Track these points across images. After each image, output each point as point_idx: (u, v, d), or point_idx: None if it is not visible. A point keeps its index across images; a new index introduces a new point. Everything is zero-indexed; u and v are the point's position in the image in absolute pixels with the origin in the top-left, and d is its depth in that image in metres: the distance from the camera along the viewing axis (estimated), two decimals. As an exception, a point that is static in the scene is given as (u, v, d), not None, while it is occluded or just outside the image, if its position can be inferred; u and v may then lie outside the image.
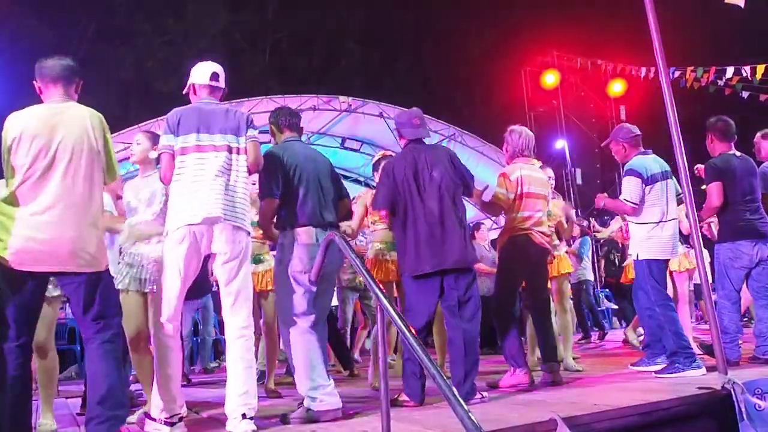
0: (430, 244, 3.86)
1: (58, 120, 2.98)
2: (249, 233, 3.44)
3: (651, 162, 4.63)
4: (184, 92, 3.69)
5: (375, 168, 5.10)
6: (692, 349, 4.33)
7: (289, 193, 3.68)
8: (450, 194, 3.97)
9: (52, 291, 3.71)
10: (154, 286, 3.61)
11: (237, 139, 3.45)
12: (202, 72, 3.58)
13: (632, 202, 4.53)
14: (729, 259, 4.68)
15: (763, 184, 4.93)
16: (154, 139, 3.94)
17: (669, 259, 4.66)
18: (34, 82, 3.13)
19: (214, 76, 3.58)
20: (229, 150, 3.41)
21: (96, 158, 3.06)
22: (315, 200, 3.71)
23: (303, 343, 3.60)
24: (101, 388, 2.88)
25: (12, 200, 2.89)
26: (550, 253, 4.73)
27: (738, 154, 4.85)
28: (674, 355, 4.25)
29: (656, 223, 4.50)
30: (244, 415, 3.18)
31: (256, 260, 4.96)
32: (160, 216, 3.72)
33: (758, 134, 5.33)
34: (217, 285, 3.50)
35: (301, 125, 4.14)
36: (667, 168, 4.66)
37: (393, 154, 4.87)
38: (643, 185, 4.52)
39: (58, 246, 2.87)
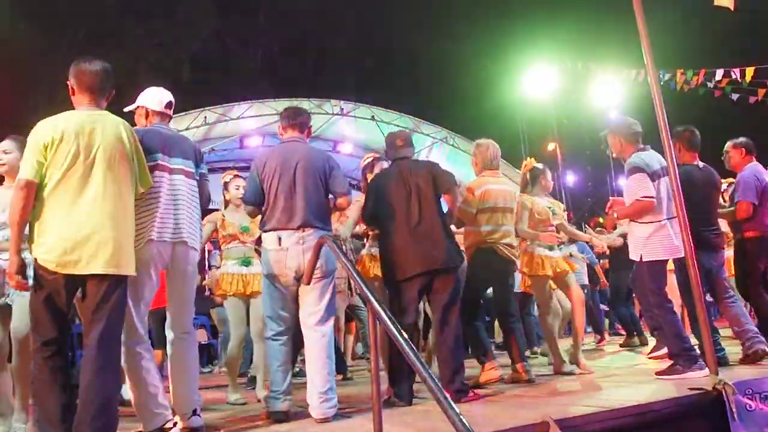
0: (418, 248, 3.97)
1: (97, 125, 3.02)
2: (198, 252, 3.65)
3: (650, 159, 4.47)
4: (127, 109, 3.75)
5: (367, 169, 5.08)
6: (694, 350, 4.26)
7: (266, 199, 3.82)
8: (431, 199, 4.13)
9: None
10: None
11: (194, 166, 3.64)
12: (158, 98, 3.70)
13: (651, 197, 4.32)
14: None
15: (740, 193, 4.99)
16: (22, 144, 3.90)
17: (668, 259, 4.50)
18: (68, 81, 3.16)
19: (169, 105, 3.73)
20: (188, 175, 3.57)
21: (130, 165, 3.12)
22: (285, 204, 3.73)
23: (266, 350, 3.82)
24: (95, 403, 2.81)
25: (50, 201, 2.89)
26: (515, 264, 4.79)
27: (701, 165, 4.84)
28: (676, 357, 4.23)
29: (659, 222, 4.37)
30: (195, 411, 3.40)
31: (246, 262, 5.00)
32: None
33: (729, 143, 5.32)
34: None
35: (308, 123, 4.13)
36: (665, 164, 4.41)
37: (379, 155, 5.13)
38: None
39: (100, 247, 2.88)
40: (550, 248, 5.28)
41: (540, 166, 5.52)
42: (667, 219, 4.39)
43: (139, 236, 3.27)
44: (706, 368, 4.07)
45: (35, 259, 2.88)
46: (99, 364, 2.86)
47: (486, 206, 4.62)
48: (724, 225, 5.43)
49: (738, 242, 5.19)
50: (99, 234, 2.89)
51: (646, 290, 4.45)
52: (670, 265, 4.93)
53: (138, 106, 3.71)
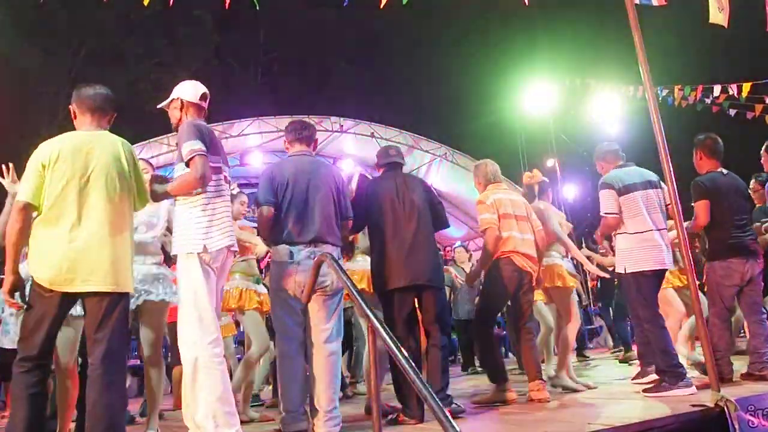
0: (407, 261, 3.96)
1: (94, 145, 3.05)
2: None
3: (626, 174, 4.59)
4: (161, 106, 3.69)
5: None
6: (682, 367, 4.25)
7: (276, 211, 3.76)
8: (425, 218, 4.14)
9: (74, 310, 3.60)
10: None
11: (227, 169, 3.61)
12: (194, 90, 3.61)
13: (612, 213, 4.49)
14: (720, 277, 4.61)
15: None
16: (151, 167, 4.16)
17: (661, 270, 4.49)
18: (70, 106, 3.22)
19: (204, 97, 3.63)
20: (228, 182, 3.57)
21: (127, 184, 3.12)
22: (296, 218, 3.72)
23: (279, 365, 3.70)
24: (103, 421, 2.81)
25: (46, 220, 2.92)
26: (532, 276, 4.67)
27: (725, 172, 4.81)
28: (662, 373, 4.21)
29: (641, 233, 4.42)
30: None
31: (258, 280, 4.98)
32: (158, 239, 4.03)
33: (763, 148, 5.22)
34: None
35: (315, 137, 4.17)
36: (653, 178, 4.58)
37: (362, 172, 5.07)
38: (617, 195, 4.50)
39: (94, 266, 2.89)
40: (561, 258, 5.32)
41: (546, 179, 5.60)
42: (652, 230, 4.42)
43: (217, 238, 3.30)
44: (693, 386, 4.09)
45: (32, 278, 2.90)
46: (104, 382, 2.87)
47: (498, 213, 4.57)
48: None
49: None
50: (94, 252, 2.90)
51: (635, 303, 4.46)
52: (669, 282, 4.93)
53: (173, 99, 3.62)
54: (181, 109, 3.58)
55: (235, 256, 4.97)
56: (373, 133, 14.13)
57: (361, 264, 4.95)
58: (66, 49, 20.32)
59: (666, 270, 4.56)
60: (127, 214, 3.13)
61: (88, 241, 2.91)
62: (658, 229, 4.45)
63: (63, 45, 20.09)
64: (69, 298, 2.93)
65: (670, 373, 4.15)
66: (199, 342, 3.19)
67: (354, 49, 27.24)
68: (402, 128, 14.87)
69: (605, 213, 4.53)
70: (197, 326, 3.20)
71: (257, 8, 4.97)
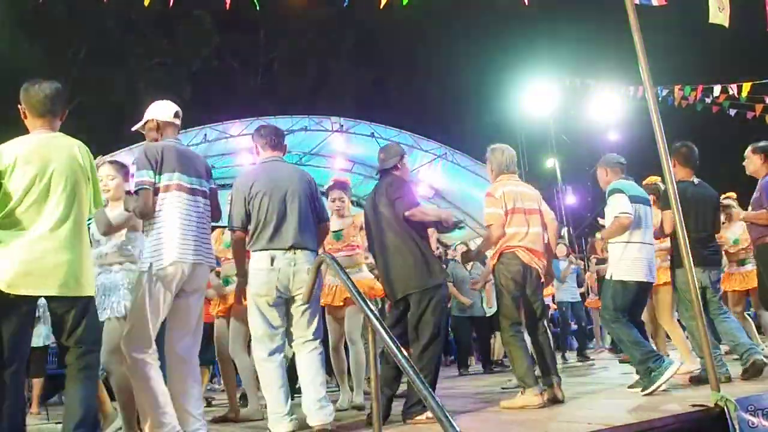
0: (383, 277, 4.01)
1: (50, 149, 3.04)
2: (212, 269, 3.71)
3: (630, 186, 4.73)
4: (135, 128, 3.76)
5: (326, 194, 5.14)
6: (656, 351, 4.37)
7: (252, 219, 3.81)
8: (395, 224, 4.05)
9: None
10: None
11: (204, 183, 3.66)
12: (167, 109, 3.70)
13: (627, 213, 4.51)
14: (683, 284, 4.62)
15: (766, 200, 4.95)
16: (123, 169, 4.11)
17: (645, 283, 4.62)
18: (19, 105, 3.16)
19: (177, 115, 3.72)
20: (202, 195, 3.60)
21: (85, 186, 3.12)
22: (277, 225, 3.76)
23: (260, 372, 3.77)
24: (77, 414, 2.88)
25: (5, 224, 2.90)
26: (539, 272, 4.49)
27: (696, 181, 4.93)
28: (643, 363, 4.29)
29: (629, 243, 4.56)
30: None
31: (226, 282, 4.98)
32: (120, 247, 3.92)
33: (749, 148, 5.24)
34: None
35: (285, 143, 4.18)
36: (647, 196, 4.80)
37: (343, 180, 5.31)
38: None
39: (54, 270, 2.89)
40: None
41: None
42: (640, 243, 4.58)
43: (161, 256, 3.34)
44: (677, 362, 4.26)
45: None
46: (79, 379, 2.95)
47: (507, 208, 4.43)
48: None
49: (759, 249, 5.11)
50: (52, 256, 2.89)
51: (607, 305, 4.61)
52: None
53: (147, 120, 3.69)
54: (157, 130, 3.67)
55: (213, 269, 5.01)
56: (373, 133, 14.09)
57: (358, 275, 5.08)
58: (66, 49, 20.34)
59: (651, 283, 4.75)
60: (85, 216, 3.13)
61: (46, 246, 2.90)
62: (648, 243, 4.64)
63: (63, 45, 20.11)
64: (29, 302, 2.92)
65: (651, 359, 4.25)
66: (130, 352, 3.31)
67: (354, 49, 27.26)
68: (402, 128, 14.84)
69: (621, 212, 4.53)
70: (130, 337, 3.34)
71: (257, 8, 4.96)
